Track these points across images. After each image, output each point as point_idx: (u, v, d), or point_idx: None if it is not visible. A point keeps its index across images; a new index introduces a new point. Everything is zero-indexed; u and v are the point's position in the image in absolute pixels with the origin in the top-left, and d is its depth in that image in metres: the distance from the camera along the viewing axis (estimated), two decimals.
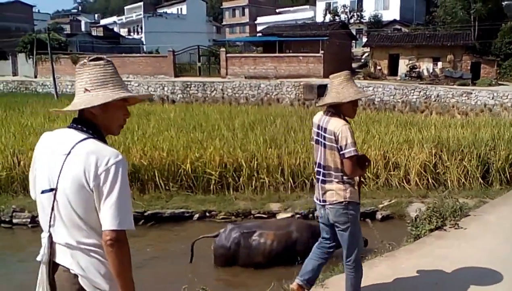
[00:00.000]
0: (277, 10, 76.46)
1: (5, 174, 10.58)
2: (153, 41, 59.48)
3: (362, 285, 4.31)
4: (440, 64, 32.24)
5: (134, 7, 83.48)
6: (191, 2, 78.67)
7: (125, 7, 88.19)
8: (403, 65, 33.29)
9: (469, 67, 31.73)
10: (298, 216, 9.22)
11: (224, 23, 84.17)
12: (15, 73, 43.92)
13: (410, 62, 32.89)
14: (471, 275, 5.04)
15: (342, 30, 39.44)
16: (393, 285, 4.79)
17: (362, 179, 4.70)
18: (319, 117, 4.19)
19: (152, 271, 7.09)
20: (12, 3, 70.89)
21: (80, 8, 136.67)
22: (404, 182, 10.95)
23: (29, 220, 9.34)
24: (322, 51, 32.52)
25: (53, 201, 2.23)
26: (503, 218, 7.29)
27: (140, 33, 74.39)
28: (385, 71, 34.23)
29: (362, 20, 50.86)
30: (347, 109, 4.07)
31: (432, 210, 6.92)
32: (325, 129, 4.02)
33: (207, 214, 9.62)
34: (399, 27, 47.65)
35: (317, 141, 4.16)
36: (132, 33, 78.21)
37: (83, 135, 2.25)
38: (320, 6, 58.55)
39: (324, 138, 4.03)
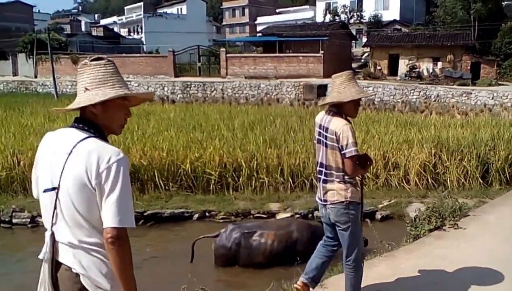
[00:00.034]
0: (277, 10, 76.45)
1: (5, 174, 10.59)
2: (153, 41, 59.48)
3: (361, 285, 4.32)
4: (440, 64, 32.23)
5: (134, 7, 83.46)
6: (191, 2, 78.65)
7: (125, 7, 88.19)
8: (403, 65, 33.28)
9: (469, 67, 31.71)
10: (297, 216, 9.24)
11: (224, 23, 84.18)
12: (15, 73, 43.91)
13: (410, 62, 32.88)
14: (470, 275, 5.03)
15: (342, 30, 39.43)
16: (393, 285, 4.79)
17: (361, 179, 4.69)
18: (321, 117, 4.19)
19: (152, 271, 7.09)
20: (13, 3, 70.89)
21: (80, 8, 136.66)
22: (404, 182, 10.96)
23: (28, 220, 9.36)
24: (322, 51, 32.51)
25: (55, 200, 2.25)
26: (503, 218, 7.29)
27: (140, 33, 74.37)
28: (385, 71, 34.22)
29: (362, 20, 50.85)
30: (349, 109, 4.07)
31: (432, 210, 6.92)
32: (327, 129, 4.03)
33: (207, 214, 9.64)
34: (399, 27, 47.65)
35: (319, 141, 4.17)
36: (132, 33, 78.19)
37: (85, 135, 2.27)
38: (320, 6, 58.55)
39: (326, 138, 4.04)
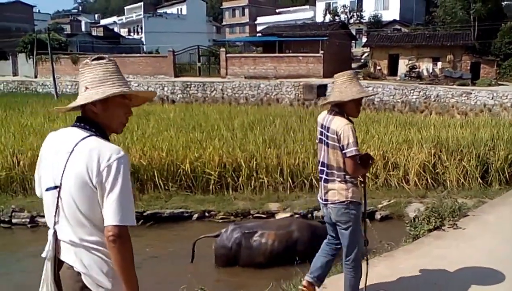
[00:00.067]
0: (277, 10, 76.45)
1: (4, 174, 10.60)
2: (153, 41, 59.47)
3: (360, 286, 4.32)
4: (439, 64, 32.22)
5: (134, 7, 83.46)
6: (191, 2, 78.63)
7: (125, 7, 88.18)
8: (402, 65, 33.27)
9: (468, 67, 31.70)
10: (297, 216, 9.24)
11: (224, 23, 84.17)
12: (15, 73, 43.93)
13: (410, 62, 32.86)
14: (469, 275, 5.03)
15: (342, 30, 39.42)
16: (392, 285, 4.78)
17: (362, 178, 4.71)
18: (323, 117, 4.20)
19: (152, 271, 7.09)
20: (13, 3, 70.90)
21: (80, 8, 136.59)
22: (403, 182, 10.96)
23: (28, 220, 9.37)
24: (322, 51, 32.53)
25: (57, 199, 2.26)
26: (502, 218, 7.28)
27: (140, 33, 74.35)
28: (385, 71, 34.21)
29: (362, 20, 50.87)
30: (351, 108, 4.07)
31: (431, 210, 6.93)
32: (328, 128, 4.04)
33: (206, 214, 9.65)
34: (398, 27, 47.65)
35: (320, 141, 4.18)
36: (132, 33, 78.17)
37: (86, 133, 2.28)
38: (320, 6, 58.59)
39: (327, 137, 4.04)
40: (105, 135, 2.35)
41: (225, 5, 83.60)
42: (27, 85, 36.71)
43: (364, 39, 42.78)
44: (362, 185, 4.44)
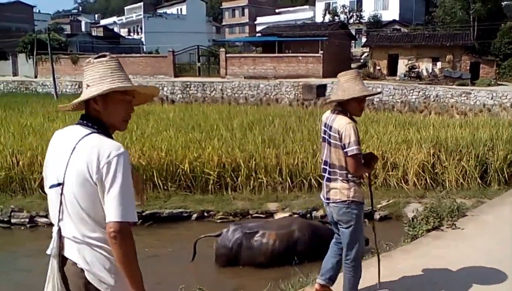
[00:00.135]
0: (277, 10, 76.42)
1: (4, 174, 10.61)
2: (153, 42, 59.43)
3: (359, 286, 4.32)
4: (439, 64, 32.20)
5: (134, 7, 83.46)
6: (191, 3, 78.61)
7: (125, 8, 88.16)
8: (402, 65, 33.26)
9: (468, 67, 31.69)
10: (295, 216, 9.23)
11: (223, 23, 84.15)
12: (15, 74, 43.92)
13: (410, 62, 32.85)
14: (468, 275, 5.02)
15: (342, 30, 39.39)
16: (390, 286, 4.77)
17: (369, 178, 4.72)
18: (327, 116, 4.21)
19: (151, 271, 7.09)
20: (13, 4, 70.94)
21: (80, 9, 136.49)
22: (402, 182, 10.96)
23: (27, 219, 9.38)
24: (322, 51, 32.50)
25: (61, 196, 2.28)
26: (501, 218, 7.27)
27: (140, 34, 74.35)
28: (385, 71, 34.20)
29: (361, 20, 50.88)
30: (354, 107, 4.07)
31: (429, 210, 6.91)
32: (331, 127, 4.05)
33: (205, 214, 9.66)
34: (398, 27, 47.67)
35: (323, 139, 4.18)
36: (132, 33, 78.15)
37: (88, 131, 2.31)
38: (320, 6, 58.61)
39: (330, 136, 4.05)
40: (107, 133, 2.36)
41: (225, 5, 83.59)
42: (27, 85, 36.70)
43: (364, 39, 42.79)
44: (368, 185, 4.46)
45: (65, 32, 72.28)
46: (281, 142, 12.37)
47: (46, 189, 2.42)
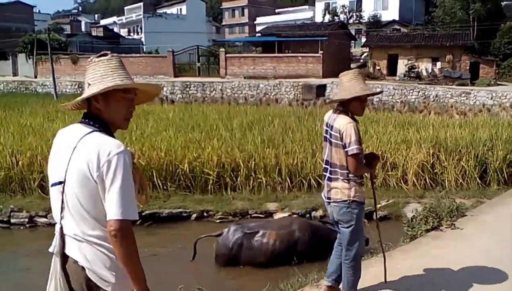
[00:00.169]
0: (277, 11, 76.39)
1: (3, 173, 10.60)
2: (153, 42, 59.41)
3: (358, 286, 4.32)
4: (439, 64, 32.20)
5: (134, 7, 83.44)
6: (191, 3, 78.59)
7: (125, 8, 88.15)
8: (402, 65, 33.25)
9: (468, 67, 31.70)
10: (295, 216, 9.23)
11: (223, 23, 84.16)
12: (15, 74, 43.89)
13: (409, 62, 32.85)
14: (467, 276, 5.02)
15: (341, 30, 39.40)
16: (389, 286, 4.77)
17: (370, 178, 4.74)
18: (328, 115, 4.22)
19: (151, 271, 7.06)
20: (13, 4, 70.95)
21: (80, 9, 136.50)
22: (402, 182, 10.96)
23: (27, 219, 9.39)
24: (321, 52, 32.48)
25: (62, 194, 2.30)
26: (501, 218, 7.26)
27: (140, 34, 74.32)
28: (384, 71, 34.21)
29: (361, 20, 50.91)
30: (355, 107, 4.08)
31: (429, 210, 6.91)
32: (332, 126, 4.06)
33: (205, 214, 9.66)
34: (398, 27, 47.67)
35: (325, 139, 4.20)
36: (132, 34, 78.14)
37: (89, 129, 2.32)
38: (319, 6, 58.64)
39: (331, 135, 4.06)
40: (109, 131, 2.38)
41: (225, 5, 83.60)
42: (27, 85, 36.69)
43: (364, 39, 42.81)
44: (371, 185, 4.47)
45: (65, 32, 72.28)
46: (281, 142, 12.37)
47: (49, 187, 2.44)
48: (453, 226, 6.64)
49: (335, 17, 50.25)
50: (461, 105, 24.95)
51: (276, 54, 35.43)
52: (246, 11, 79.07)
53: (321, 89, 28.16)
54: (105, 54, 2.42)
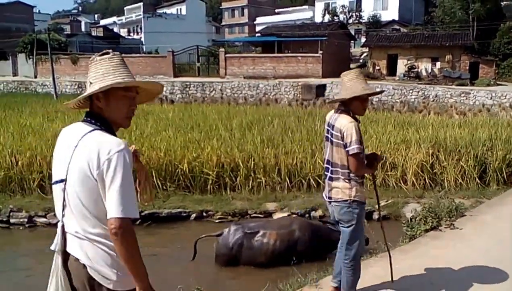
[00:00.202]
0: (276, 11, 76.44)
1: (3, 173, 10.60)
2: (153, 42, 59.42)
3: (358, 286, 4.32)
4: (438, 64, 32.21)
5: (133, 7, 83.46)
6: (191, 3, 78.59)
7: (125, 8, 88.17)
8: (401, 65, 33.27)
9: (467, 67, 31.71)
10: (294, 216, 9.23)
11: (223, 23, 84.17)
12: (15, 74, 43.93)
13: (409, 62, 32.86)
14: (466, 276, 5.02)
15: (341, 30, 39.41)
16: (388, 286, 4.77)
17: (372, 178, 4.74)
18: (330, 115, 4.24)
19: (150, 271, 7.06)
20: (13, 4, 71.02)
21: (80, 9, 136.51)
22: (401, 182, 10.95)
23: (26, 219, 9.38)
24: (321, 52, 32.49)
25: (63, 192, 2.32)
26: (500, 218, 7.25)
27: (139, 34, 74.33)
28: (384, 71, 34.22)
29: (361, 20, 50.96)
30: (356, 106, 4.09)
31: (428, 210, 6.91)
32: (333, 126, 4.07)
33: (204, 214, 9.65)
34: (397, 27, 47.68)
35: (326, 138, 4.21)
36: (131, 34, 78.17)
37: (90, 128, 2.34)
38: (319, 7, 58.66)
39: (332, 135, 4.07)
40: (110, 130, 2.38)
41: (225, 5, 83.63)
42: (27, 85, 36.71)
43: (363, 39, 42.85)
44: (373, 185, 4.48)
45: (65, 32, 72.31)
46: (280, 142, 12.37)
47: (52, 185, 2.46)
48: (452, 226, 6.64)
49: (335, 17, 50.31)
50: (460, 105, 24.95)
51: (275, 54, 35.44)
52: (245, 11, 79.09)
53: (321, 89, 28.17)
54: (107, 53, 2.43)
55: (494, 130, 13.58)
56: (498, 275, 4.97)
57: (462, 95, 25.17)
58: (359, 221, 4.10)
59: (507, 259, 5.41)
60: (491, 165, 11.13)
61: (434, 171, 11.11)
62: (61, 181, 2.32)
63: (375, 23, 48.99)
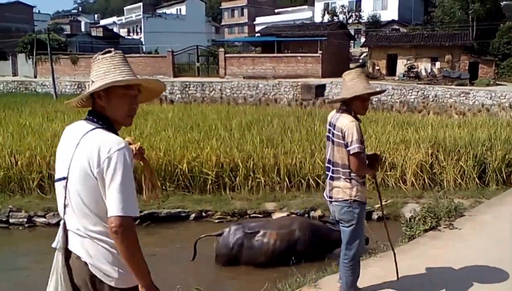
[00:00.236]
0: (276, 11, 76.45)
1: (2, 173, 10.59)
2: (153, 42, 59.42)
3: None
4: (438, 64, 32.21)
5: (133, 7, 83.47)
6: (190, 3, 78.60)
7: (125, 8, 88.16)
8: (401, 65, 33.28)
9: (467, 67, 31.72)
10: (293, 215, 9.23)
11: (223, 23, 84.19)
12: (15, 74, 43.94)
13: (408, 62, 32.87)
14: (465, 276, 5.02)
15: (341, 30, 39.42)
16: (387, 286, 4.78)
17: (373, 178, 4.75)
18: (332, 115, 4.25)
19: (150, 270, 7.08)
20: (13, 4, 71.06)
21: (80, 9, 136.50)
22: (401, 182, 10.94)
23: (25, 219, 9.37)
24: (321, 51, 32.48)
25: (65, 189, 2.33)
26: (499, 218, 7.25)
27: (139, 34, 74.36)
28: (384, 71, 34.24)
29: (360, 20, 51.00)
30: (357, 106, 4.10)
31: (427, 210, 6.92)
32: (334, 126, 4.08)
33: (204, 214, 9.64)
34: (397, 27, 47.70)
35: (328, 138, 4.22)
36: (131, 34, 78.19)
37: (92, 126, 2.35)
38: (319, 6, 58.66)
39: (333, 135, 4.09)
40: (112, 128, 2.39)
41: (224, 5, 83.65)
42: (27, 85, 36.72)
43: (363, 39, 42.91)
44: (375, 185, 4.50)
45: (65, 32, 72.43)
46: (279, 142, 12.36)
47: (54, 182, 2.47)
48: (451, 226, 6.65)
49: (335, 17, 50.34)
50: (460, 105, 24.95)
51: (275, 54, 35.45)
52: (245, 11, 79.11)
53: (320, 89, 28.17)
54: (109, 51, 2.44)
55: (494, 130, 13.57)
56: (497, 275, 4.97)
57: (462, 95, 25.17)
58: (360, 221, 4.11)
59: (506, 259, 5.41)
60: (490, 165, 11.12)
61: (434, 171, 11.09)
62: (63, 178, 2.34)
63: (374, 23, 49.02)
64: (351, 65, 37.47)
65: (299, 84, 28.94)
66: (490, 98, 24.10)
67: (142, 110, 19.03)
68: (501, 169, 11.07)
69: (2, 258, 8.20)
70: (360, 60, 41.49)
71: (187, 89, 31.05)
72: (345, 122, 3.98)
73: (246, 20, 77.46)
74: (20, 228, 9.36)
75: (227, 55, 35.42)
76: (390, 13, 52.07)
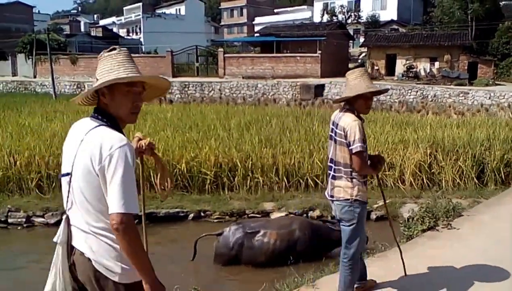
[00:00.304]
0: (275, 11, 76.42)
1: (1, 173, 10.59)
2: (152, 42, 59.42)
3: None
4: (437, 64, 32.23)
5: (133, 7, 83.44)
6: (190, 3, 78.61)
7: (124, 8, 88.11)
8: (400, 65, 33.29)
9: (466, 67, 31.73)
10: (291, 215, 9.23)
11: (222, 23, 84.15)
12: (14, 74, 43.99)
13: (407, 62, 32.89)
14: (463, 275, 5.02)
15: (340, 30, 39.44)
16: (385, 286, 4.78)
17: (378, 179, 4.75)
18: (335, 114, 4.25)
19: None
20: (12, 4, 71.07)
21: (79, 9, 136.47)
22: (399, 182, 10.95)
23: (24, 219, 9.38)
24: (320, 51, 32.49)
25: (69, 185, 2.36)
26: (497, 218, 7.25)
27: (139, 34, 74.36)
28: (383, 71, 34.24)
29: (359, 20, 51.01)
30: (360, 105, 4.10)
31: (425, 210, 6.92)
32: (337, 125, 4.09)
33: (202, 214, 9.65)
34: (396, 27, 47.72)
35: (330, 137, 4.22)
36: (131, 34, 78.18)
37: (96, 123, 2.36)
38: (318, 6, 58.64)
39: (336, 134, 4.09)
40: (116, 126, 2.40)
41: (224, 5, 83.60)
42: (26, 85, 36.72)
43: (362, 39, 42.92)
44: (378, 185, 4.49)
45: (64, 33, 72.40)
46: (278, 142, 12.37)
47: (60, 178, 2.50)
48: (450, 226, 6.65)
49: (334, 17, 50.35)
50: (459, 105, 24.95)
51: (274, 54, 35.46)
52: (244, 11, 79.08)
53: (319, 89, 28.16)
54: (114, 49, 2.46)
55: (492, 130, 13.58)
56: (495, 275, 4.98)
57: (461, 95, 25.17)
58: (360, 220, 4.11)
59: (505, 259, 5.41)
60: (489, 165, 11.13)
61: (432, 170, 11.10)
62: (67, 174, 2.36)
63: (373, 23, 49.04)
64: (350, 65, 37.42)
65: (298, 84, 28.94)
66: (489, 98, 24.11)
67: (141, 110, 18.78)
68: (499, 169, 11.08)
69: (1, 258, 8.21)
70: (359, 60, 41.47)
71: (186, 89, 31.03)
72: (347, 121, 3.98)
73: (245, 20, 77.46)
74: (19, 228, 9.36)
75: (226, 55, 35.42)
76: (389, 13, 52.09)
